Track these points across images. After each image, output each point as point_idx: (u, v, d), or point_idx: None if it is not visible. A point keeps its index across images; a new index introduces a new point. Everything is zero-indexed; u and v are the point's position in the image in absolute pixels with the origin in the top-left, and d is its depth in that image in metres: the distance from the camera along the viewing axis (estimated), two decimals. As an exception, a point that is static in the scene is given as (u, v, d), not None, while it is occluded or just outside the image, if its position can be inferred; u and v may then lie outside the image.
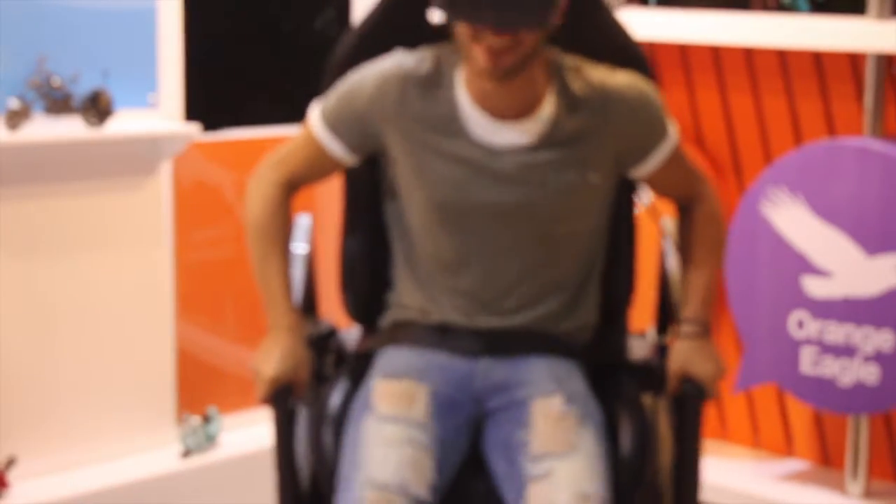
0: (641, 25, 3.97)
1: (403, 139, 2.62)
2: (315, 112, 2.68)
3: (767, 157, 3.86)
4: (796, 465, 3.92)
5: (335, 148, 2.66)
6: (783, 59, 3.84)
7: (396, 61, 2.63)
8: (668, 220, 2.87)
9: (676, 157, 2.67)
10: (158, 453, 3.93)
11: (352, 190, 2.86)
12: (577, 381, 2.64)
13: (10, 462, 3.58)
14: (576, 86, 2.61)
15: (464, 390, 2.63)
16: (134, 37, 3.79)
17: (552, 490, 2.47)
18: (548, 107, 2.59)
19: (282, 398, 2.57)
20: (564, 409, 2.57)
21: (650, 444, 2.66)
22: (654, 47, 4.03)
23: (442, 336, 2.67)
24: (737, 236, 3.67)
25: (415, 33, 2.71)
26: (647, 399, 2.72)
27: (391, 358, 2.68)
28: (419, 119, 2.61)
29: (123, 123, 3.72)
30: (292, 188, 2.70)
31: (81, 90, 3.62)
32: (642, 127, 2.64)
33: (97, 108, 3.63)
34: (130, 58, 3.78)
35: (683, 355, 2.61)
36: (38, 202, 3.67)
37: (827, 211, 3.53)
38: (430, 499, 2.50)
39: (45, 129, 3.58)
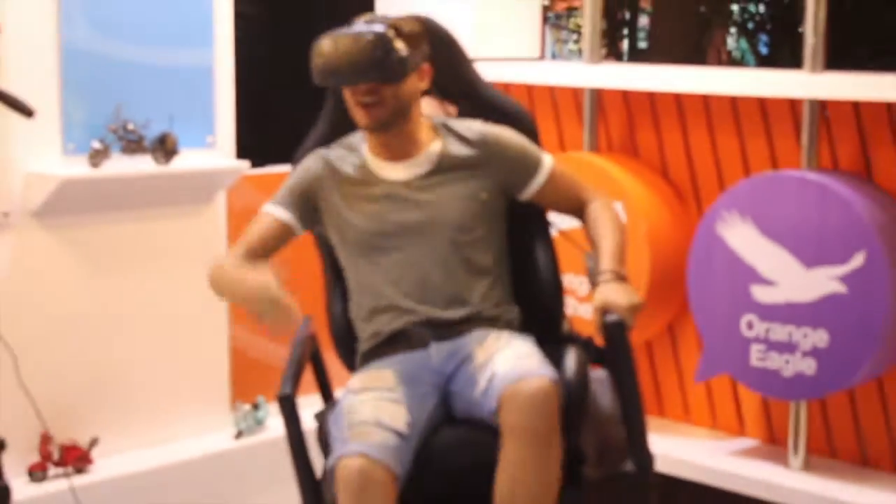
0: (617, 77, 4.01)
1: (334, 198, 2.74)
2: (268, 205, 2.78)
3: (721, 186, 3.83)
4: (747, 443, 3.88)
5: (282, 215, 2.75)
6: (734, 104, 3.82)
7: (316, 154, 2.80)
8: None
9: (555, 179, 2.80)
10: (215, 435, 3.93)
11: (325, 259, 2.92)
12: (515, 333, 2.69)
13: (94, 442, 3.60)
14: (460, 129, 2.78)
15: (423, 367, 2.66)
16: (195, 88, 3.80)
17: (496, 364, 2.53)
18: (435, 145, 2.74)
19: (284, 387, 2.56)
20: (497, 335, 2.65)
21: (587, 373, 2.66)
22: (627, 95, 4.04)
23: (395, 342, 2.71)
24: (696, 252, 3.66)
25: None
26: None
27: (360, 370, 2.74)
28: (344, 182, 2.75)
29: (186, 161, 3.73)
30: (251, 256, 2.72)
31: (151, 133, 3.63)
32: (520, 158, 2.79)
33: (164, 148, 3.64)
34: (192, 106, 3.79)
35: (602, 294, 2.63)
36: (116, 227, 3.68)
37: (772, 230, 3.51)
38: (408, 433, 2.51)
39: (121, 166, 3.59)
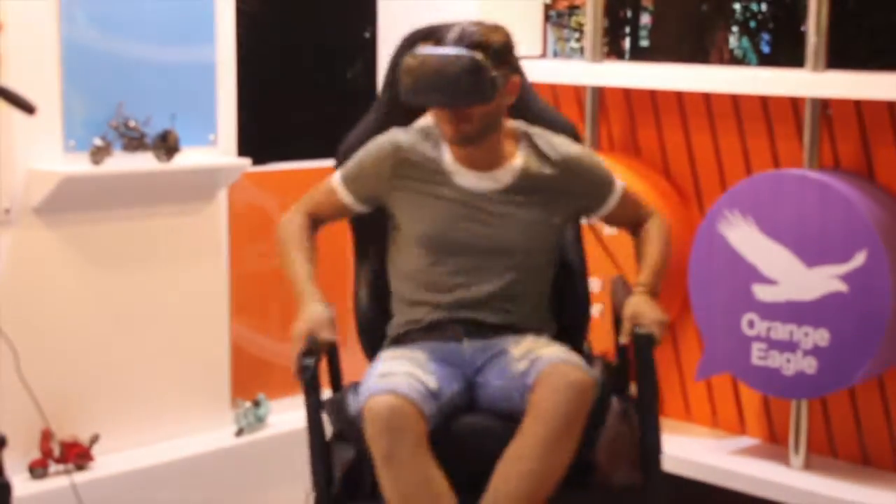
0: (619, 76, 4.01)
1: (403, 191, 2.76)
2: (337, 174, 2.85)
3: (723, 185, 3.83)
4: (748, 441, 3.88)
5: (345, 196, 2.82)
6: (736, 103, 3.82)
7: (389, 136, 2.81)
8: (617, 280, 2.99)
9: (624, 200, 2.86)
10: (216, 432, 3.93)
11: (357, 242, 2.98)
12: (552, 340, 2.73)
13: (95, 439, 3.59)
14: (542, 146, 2.77)
15: (455, 355, 2.70)
16: (197, 86, 3.79)
17: (542, 351, 2.57)
18: (518, 160, 2.73)
19: (308, 360, 2.59)
20: (533, 337, 2.69)
21: (610, 385, 2.70)
22: (629, 93, 4.04)
23: (430, 331, 2.75)
24: (698, 251, 3.65)
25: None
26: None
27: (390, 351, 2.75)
28: (416, 174, 2.76)
29: (188, 158, 3.72)
30: (315, 221, 2.84)
31: (153, 131, 3.63)
32: (597, 183, 2.84)
33: (166, 145, 3.63)
34: (194, 103, 3.78)
35: (633, 306, 2.70)
36: (118, 224, 3.68)
37: (773, 230, 3.51)
38: (437, 390, 2.55)
39: (123, 163, 3.59)
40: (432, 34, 2.74)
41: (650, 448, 2.65)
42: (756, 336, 3.57)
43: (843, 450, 3.74)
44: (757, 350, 3.58)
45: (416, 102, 2.69)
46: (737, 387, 3.92)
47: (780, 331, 3.53)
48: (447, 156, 2.77)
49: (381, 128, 2.90)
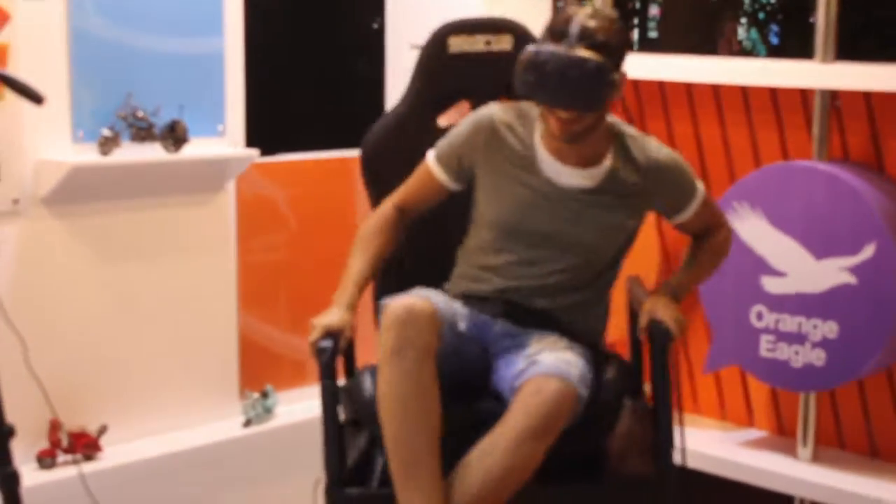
0: (628, 67, 3.99)
1: (489, 168, 2.74)
2: (431, 152, 2.82)
3: (732, 177, 3.83)
4: (756, 434, 3.89)
5: (441, 175, 2.80)
6: (745, 94, 3.82)
7: (489, 110, 2.77)
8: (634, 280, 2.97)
9: (702, 208, 2.83)
10: (224, 423, 3.93)
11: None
12: (580, 346, 2.70)
13: (103, 429, 3.60)
14: (633, 149, 2.74)
15: (483, 332, 2.70)
16: (205, 77, 3.79)
17: (542, 356, 2.56)
18: (609, 161, 2.70)
19: (326, 340, 2.59)
20: (557, 338, 2.66)
21: (625, 382, 2.73)
22: (638, 84, 4.04)
23: (471, 300, 2.74)
24: (706, 242, 3.68)
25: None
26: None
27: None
28: (504, 154, 2.73)
29: (196, 149, 3.72)
30: (404, 211, 2.83)
31: (162, 121, 3.62)
32: (680, 191, 2.80)
33: (175, 136, 3.63)
34: (202, 94, 3.78)
35: (653, 303, 2.70)
36: (126, 215, 3.68)
37: (782, 221, 3.51)
38: (463, 332, 2.60)
39: (131, 153, 3.59)
40: (477, 27, 2.73)
41: (662, 441, 2.65)
42: (764, 328, 3.57)
43: (851, 442, 3.74)
44: (765, 342, 3.58)
45: (532, 99, 2.63)
46: (745, 379, 3.92)
47: (789, 323, 3.53)
48: (539, 144, 2.73)
49: (408, 119, 2.89)
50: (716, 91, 3.89)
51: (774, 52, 3.88)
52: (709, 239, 2.88)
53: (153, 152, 3.63)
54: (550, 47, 2.56)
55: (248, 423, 3.95)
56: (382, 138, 2.95)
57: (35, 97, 2.84)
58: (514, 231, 2.72)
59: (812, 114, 3.62)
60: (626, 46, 2.67)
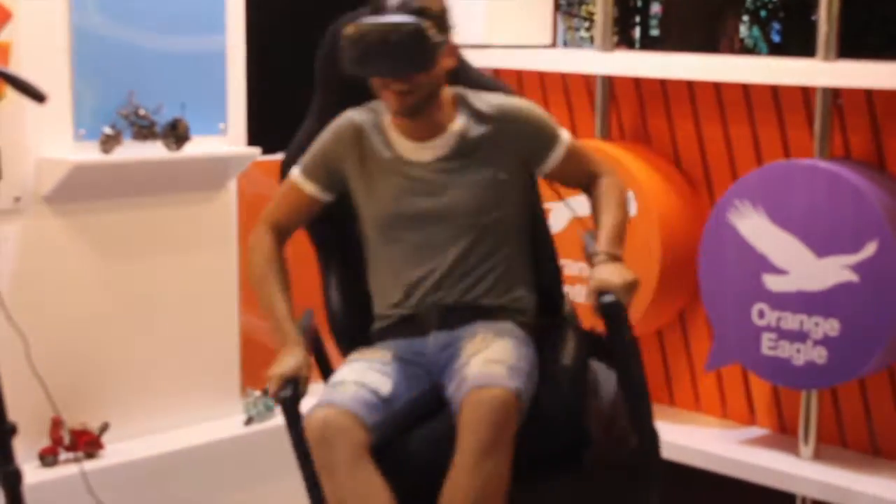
0: (629, 65, 4.01)
1: (360, 171, 2.74)
2: (295, 168, 2.80)
3: (734, 175, 3.83)
4: (758, 432, 3.89)
5: (310, 188, 2.77)
6: (747, 92, 3.82)
7: (346, 115, 2.77)
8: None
9: (572, 154, 2.78)
10: (226, 421, 3.94)
11: (319, 245, 2.93)
12: (510, 327, 2.67)
13: (105, 427, 3.60)
14: (477, 103, 2.74)
15: (419, 358, 2.68)
16: (207, 75, 3.80)
17: (470, 367, 2.52)
18: (456, 124, 2.71)
19: (286, 390, 2.56)
20: (485, 334, 2.63)
21: (586, 358, 2.67)
22: (639, 82, 4.04)
23: (401, 326, 2.72)
24: (708, 241, 3.65)
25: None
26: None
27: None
28: (366, 153, 2.73)
29: (198, 147, 3.73)
30: (282, 234, 2.80)
31: (163, 119, 3.63)
32: (535, 136, 2.76)
33: (176, 134, 3.64)
34: (204, 92, 3.78)
35: (597, 275, 2.60)
36: (128, 213, 3.68)
37: (783, 219, 3.51)
38: (388, 397, 2.54)
39: (132, 152, 3.59)
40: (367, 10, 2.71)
41: (640, 414, 2.60)
42: (766, 326, 3.57)
43: (852, 440, 3.74)
44: (767, 340, 3.58)
45: (360, 74, 2.62)
46: (747, 377, 3.92)
47: (791, 321, 3.53)
48: (390, 129, 2.74)
49: (322, 130, 2.86)
50: (717, 89, 3.89)
51: (776, 49, 3.89)
52: (598, 189, 2.79)
53: (155, 151, 3.63)
54: (369, 19, 2.59)
55: (249, 421, 3.96)
56: (308, 144, 2.92)
57: (37, 95, 2.84)
58: (395, 218, 2.71)
59: (814, 112, 3.62)
60: (447, 12, 2.67)
